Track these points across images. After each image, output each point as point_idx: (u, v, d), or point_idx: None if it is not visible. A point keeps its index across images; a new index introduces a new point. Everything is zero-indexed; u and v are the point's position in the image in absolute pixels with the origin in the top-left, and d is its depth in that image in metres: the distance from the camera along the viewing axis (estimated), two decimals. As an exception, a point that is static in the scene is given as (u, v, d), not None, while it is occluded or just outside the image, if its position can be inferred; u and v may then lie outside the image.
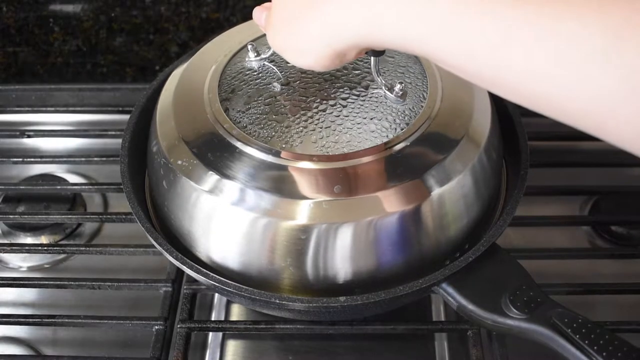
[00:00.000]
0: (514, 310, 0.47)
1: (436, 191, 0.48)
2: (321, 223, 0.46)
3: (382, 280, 0.49)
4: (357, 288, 0.49)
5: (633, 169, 0.72)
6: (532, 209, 0.63)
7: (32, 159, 0.74)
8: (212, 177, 0.48)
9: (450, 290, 0.49)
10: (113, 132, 0.74)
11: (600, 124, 0.32)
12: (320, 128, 0.49)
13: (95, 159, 0.72)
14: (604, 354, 0.44)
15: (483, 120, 0.52)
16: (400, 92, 0.50)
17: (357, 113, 0.50)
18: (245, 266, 0.49)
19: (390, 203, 0.47)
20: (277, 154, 0.48)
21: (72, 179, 0.74)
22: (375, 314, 0.57)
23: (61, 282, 0.62)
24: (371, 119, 0.50)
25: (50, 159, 0.74)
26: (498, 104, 0.56)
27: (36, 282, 0.63)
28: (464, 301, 0.49)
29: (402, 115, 0.50)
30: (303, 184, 0.47)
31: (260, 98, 0.52)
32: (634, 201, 0.67)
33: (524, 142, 0.57)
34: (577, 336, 0.45)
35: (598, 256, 0.65)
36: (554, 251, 0.63)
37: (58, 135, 0.78)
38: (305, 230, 0.46)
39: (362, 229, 0.47)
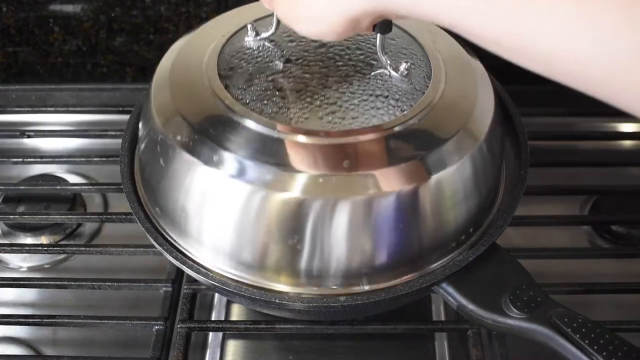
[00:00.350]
0: (514, 309, 0.47)
1: (447, 170, 0.47)
2: (333, 198, 0.45)
3: (390, 261, 0.48)
4: (365, 268, 0.48)
5: (633, 168, 0.73)
6: (532, 209, 0.63)
7: (32, 159, 0.74)
8: (215, 152, 0.47)
9: (450, 289, 0.49)
10: (113, 132, 0.74)
11: (616, 91, 0.32)
12: (326, 105, 0.49)
13: (95, 159, 0.72)
14: (604, 353, 0.44)
15: (487, 108, 0.52)
16: (406, 72, 0.50)
17: (363, 90, 0.50)
18: (240, 245, 0.48)
19: (402, 179, 0.46)
20: (283, 129, 0.47)
21: (72, 179, 0.74)
22: (375, 314, 0.57)
23: (61, 282, 0.62)
24: (377, 96, 0.49)
25: (50, 159, 0.74)
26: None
27: (36, 282, 0.63)
28: (464, 301, 0.49)
29: (408, 94, 0.50)
30: (311, 159, 0.46)
31: (261, 75, 0.51)
32: (634, 201, 0.67)
33: (524, 141, 0.57)
34: (577, 336, 0.45)
35: (598, 256, 0.65)
36: (554, 251, 0.63)
37: (58, 135, 0.78)
38: (312, 204, 0.45)
39: (372, 204, 0.46)
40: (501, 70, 0.55)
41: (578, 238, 0.68)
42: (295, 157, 0.46)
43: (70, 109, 0.79)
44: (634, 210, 0.66)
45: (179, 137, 0.49)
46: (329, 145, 0.46)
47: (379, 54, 0.50)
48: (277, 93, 0.50)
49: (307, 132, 0.47)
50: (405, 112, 0.48)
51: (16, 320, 0.60)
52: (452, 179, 0.48)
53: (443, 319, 0.61)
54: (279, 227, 0.47)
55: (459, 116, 0.50)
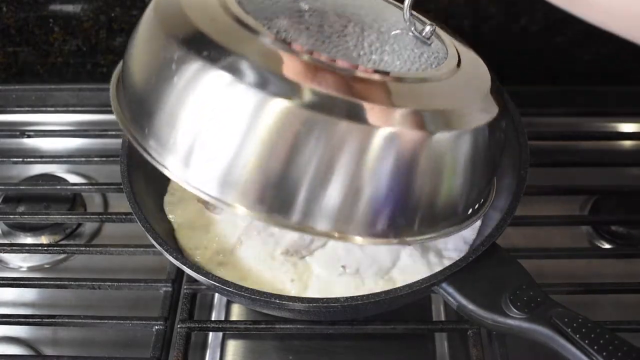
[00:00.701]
0: (514, 309, 0.47)
1: (449, 133, 0.46)
2: (335, 119, 0.43)
3: (371, 215, 0.46)
4: (348, 213, 0.46)
5: (633, 168, 0.73)
6: (532, 209, 0.63)
7: (32, 159, 0.74)
8: (237, 64, 0.44)
9: (450, 290, 0.49)
10: (113, 132, 0.74)
11: None
12: (362, 46, 0.48)
13: (95, 159, 0.72)
14: (604, 353, 0.44)
15: (498, 95, 0.52)
16: (430, 34, 0.50)
17: (394, 41, 0.50)
18: (233, 159, 0.45)
19: (404, 122, 0.44)
20: (318, 57, 0.45)
21: (72, 179, 0.74)
22: (375, 314, 0.57)
23: (61, 282, 0.62)
24: (412, 49, 0.49)
25: (50, 159, 0.74)
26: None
27: (36, 282, 0.63)
28: (464, 301, 0.49)
29: (433, 55, 0.50)
30: (349, 88, 0.44)
31: (287, 12, 0.49)
32: (634, 201, 0.67)
33: (524, 141, 0.57)
34: (577, 336, 0.45)
35: (598, 256, 0.65)
36: (554, 251, 0.63)
37: (58, 135, 0.78)
38: (316, 121, 0.43)
39: (372, 137, 0.44)
40: (501, 70, 0.55)
41: (578, 238, 0.68)
42: (316, 78, 0.44)
43: (70, 109, 0.79)
44: (634, 210, 0.66)
45: (205, 53, 0.45)
46: (370, 80, 0.45)
47: (404, 12, 0.50)
48: (310, 27, 0.48)
49: (351, 65, 0.45)
50: (438, 66, 0.48)
51: (16, 320, 0.60)
52: (451, 145, 0.46)
53: (443, 319, 0.61)
54: (278, 142, 0.44)
55: (474, 91, 0.50)
